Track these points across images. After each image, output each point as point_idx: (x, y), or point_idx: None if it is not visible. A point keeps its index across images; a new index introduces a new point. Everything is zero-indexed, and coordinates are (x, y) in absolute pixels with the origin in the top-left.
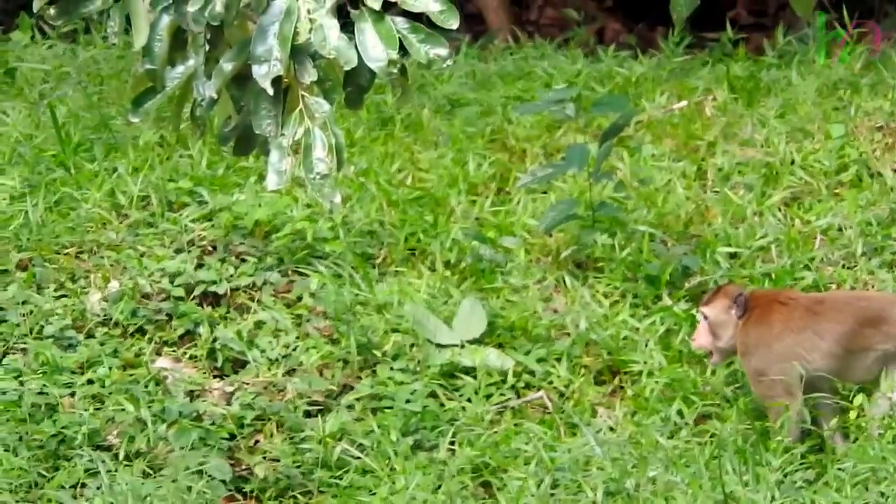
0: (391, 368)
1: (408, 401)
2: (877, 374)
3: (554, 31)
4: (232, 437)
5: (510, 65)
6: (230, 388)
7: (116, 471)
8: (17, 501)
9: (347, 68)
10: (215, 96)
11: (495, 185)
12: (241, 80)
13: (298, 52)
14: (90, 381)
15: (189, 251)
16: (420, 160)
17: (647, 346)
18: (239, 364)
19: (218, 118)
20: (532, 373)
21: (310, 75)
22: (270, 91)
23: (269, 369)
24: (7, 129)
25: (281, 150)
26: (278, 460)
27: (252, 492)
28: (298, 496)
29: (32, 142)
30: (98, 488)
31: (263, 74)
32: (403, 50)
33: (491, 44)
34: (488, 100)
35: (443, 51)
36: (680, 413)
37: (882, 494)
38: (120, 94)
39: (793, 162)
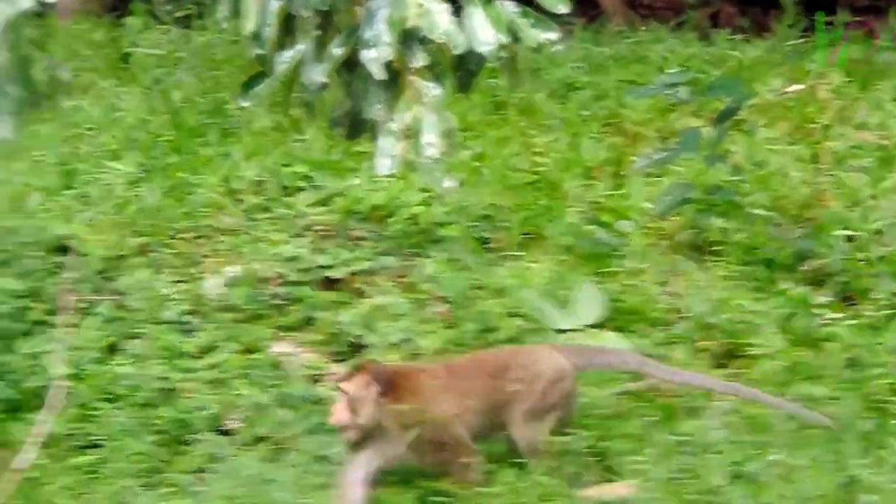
0: None
1: None
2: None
3: (668, 14)
4: None
5: (624, 48)
6: None
7: (237, 456)
8: (139, 486)
9: (457, 53)
10: (325, 81)
11: (610, 169)
12: (351, 64)
13: (408, 37)
14: (210, 366)
15: (305, 236)
16: (535, 144)
17: (765, 329)
18: (357, 348)
19: (328, 103)
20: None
21: (419, 60)
22: (380, 76)
23: (388, 353)
24: (123, 114)
25: (391, 135)
26: None
27: None
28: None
29: (147, 127)
30: (219, 473)
31: (373, 59)
32: (514, 34)
33: (605, 27)
34: (602, 83)
35: (552, 35)
36: (800, 396)
37: None
38: (234, 79)
39: None
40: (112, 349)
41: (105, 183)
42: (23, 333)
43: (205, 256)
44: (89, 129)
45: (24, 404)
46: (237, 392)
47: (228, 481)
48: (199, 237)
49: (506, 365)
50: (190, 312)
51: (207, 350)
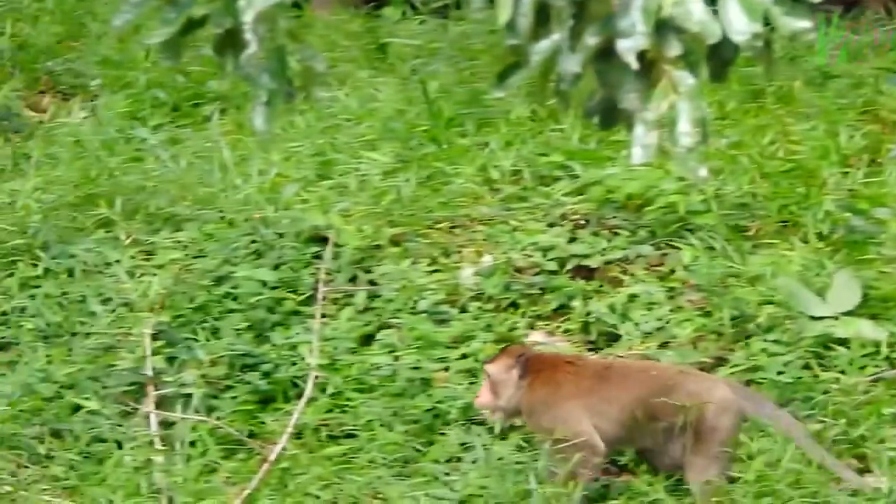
0: (765, 340)
1: (780, 372)
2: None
3: None
4: None
5: (882, 36)
6: None
7: (492, 445)
8: (392, 476)
9: (711, 42)
10: (579, 71)
11: (867, 157)
12: (606, 54)
13: (662, 26)
14: (464, 356)
15: (561, 225)
16: (792, 132)
17: None
18: (612, 337)
19: (582, 92)
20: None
21: (674, 49)
22: (635, 65)
23: (642, 342)
24: (379, 104)
25: (646, 124)
26: None
27: (626, 465)
28: None
29: (404, 117)
30: (473, 462)
31: (627, 49)
32: (768, 23)
33: (862, 15)
34: (860, 71)
35: (806, 23)
36: None
37: None
38: (491, 69)
39: None
40: (366, 339)
41: (361, 173)
42: (278, 324)
43: (460, 246)
44: (346, 119)
45: (279, 395)
46: None
47: (482, 471)
48: (454, 227)
49: (672, 385)
50: (445, 302)
51: (462, 340)
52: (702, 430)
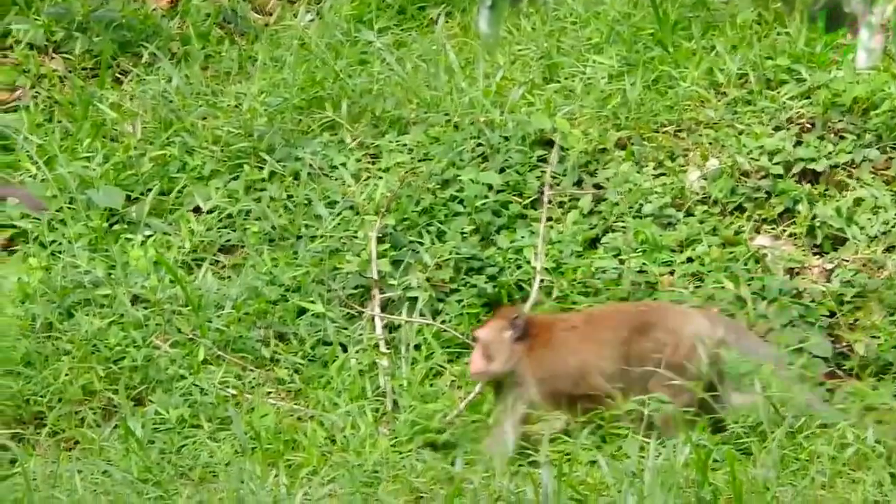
0: None
1: None
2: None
3: None
4: (832, 314)
5: None
6: (830, 266)
7: None
8: None
9: None
10: None
11: None
12: None
13: None
14: (689, 259)
15: (787, 129)
16: None
17: None
18: (838, 241)
19: None
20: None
21: None
22: None
23: (868, 246)
24: (605, 7)
25: (870, 28)
26: (878, 337)
27: (852, 369)
28: None
29: (630, 20)
30: None
31: None
32: None
33: None
34: None
35: None
36: None
37: None
38: None
39: None
40: (591, 243)
41: (587, 77)
42: (503, 227)
43: (686, 150)
44: (572, 22)
45: (504, 298)
46: (718, 285)
47: None
48: (680, 130)
49: (649, 323)
50: (670, 206)
51: (687, 243)
52: (673, 364)
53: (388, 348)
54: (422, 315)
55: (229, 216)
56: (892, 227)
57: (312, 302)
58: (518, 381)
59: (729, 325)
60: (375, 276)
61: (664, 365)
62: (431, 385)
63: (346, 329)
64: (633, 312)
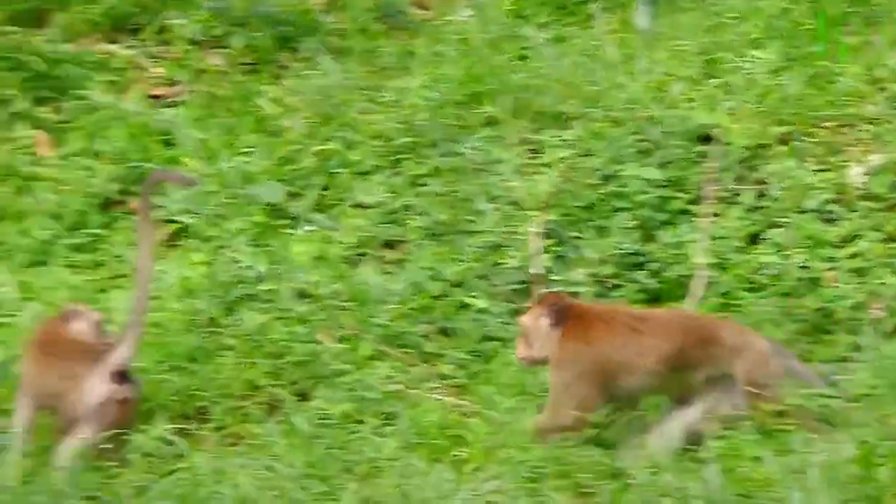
0: None
1: None
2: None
3: None
4: None
5: None
6: None
7: (881, 345)
8: None
9: None
10: None
11: None
12: None
13: None
14: (853, 255)
15: None
16: None
17: None
18: None
19: None
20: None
21: None
22: None
23: None
24: (764, 2)
25: None
26: None
27: None
28: None
29: (789, 15)
30: (862, 362)
31: None
32: None
33: None
34: None
35: None
36: None
37: None
38: None
39: None
40: (754, 238)
41: (747, 72)
42: (665, 223)
43: (848, 145)
44: (732, 17)
45: (666, 293)
46: (880, 281)
47: (871, 371)
48: (842, 126)
49: (711, 336)
50: (833, 201)
51: (850, 239)
52: (756, 382)
53: None
54: None
55: (392, 211)
56: None
57: (475, 297)
58: (552, 365)
59: (778, 348)
60: (537, 272)
61: (742, 380)
62: None
63: (508, 324)
64: (694, 322)
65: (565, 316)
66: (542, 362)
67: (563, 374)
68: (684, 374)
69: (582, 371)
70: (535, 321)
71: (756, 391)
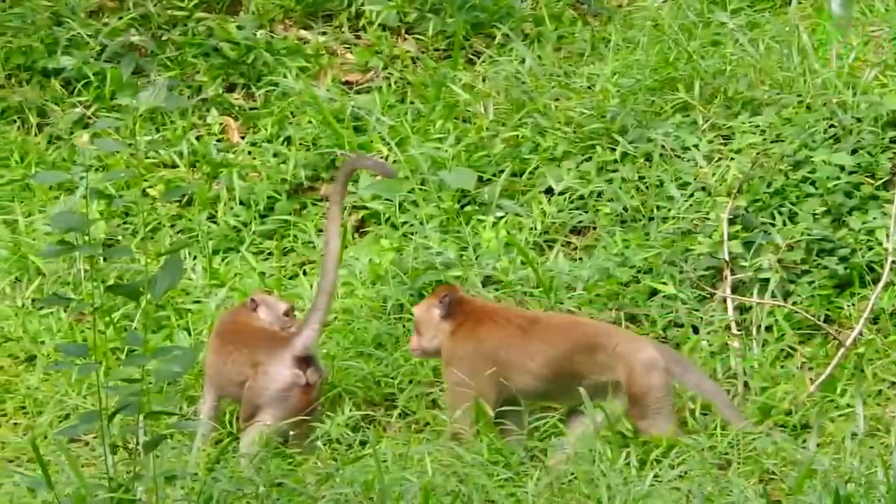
0: None
1: None
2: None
3: None
4: None
5: None
6: None
7: None
8: None
9: None
10: None
11: None
12: None
13: None
14: None
15: None
16: None
17: None
18: None
19: None
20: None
21: None
22: None
23: None
24: None
25: None
26: None
27: None
28: None
29: None
30: None
31: None
32: None
33: None
34: None
35: None
36: None
37: None
38: None
39: None
40: None
41: None
42: (855, 208)
43: None
44: None
45: (855, 279)
46: None
47: None
48: None
49: (596, 343)
50: None
51: None
52: (635, 393)
53: (738, 330)
54: (773, 296)
55: (581, 197)
56: None
57: (664, 283)
58: (444, 363)
59: (674, 357)
60: (727, 258)
61: (623, 390)
62: (782, 367)
63: (697, 310)
64: (582, 329)
65: (455, 309)
66: (435, 354)
67: (456, 373)
68: (572, 380)
69: (473, 370)
70: (427, 312)
71: (635, 400)
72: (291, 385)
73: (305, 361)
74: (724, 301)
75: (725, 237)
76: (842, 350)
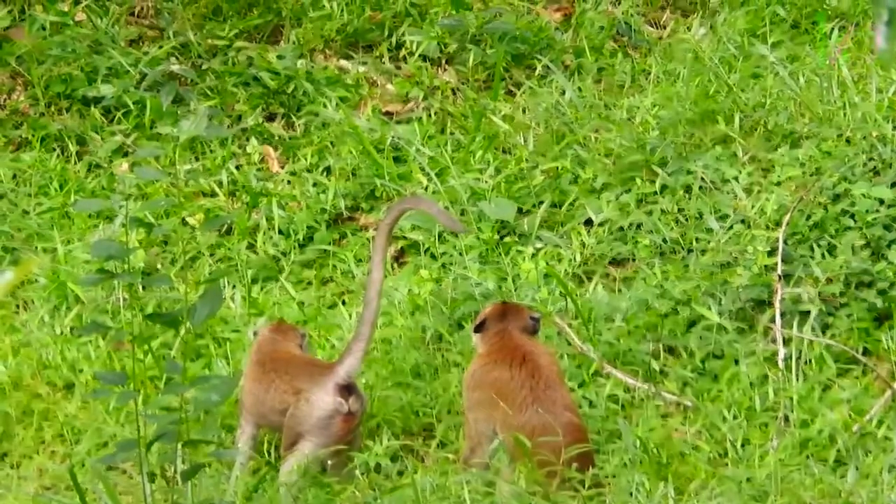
0: None
1: None
2: None
3: None
4: None
5: None
6: None
7: None
8: None
9: None
10: None
11: None
12: None
13: None
14: None
15: None
16: None
17: None
18: None
19: None
20: None
21: None
22: None
23: None
24: None
25: None
26: None
27: None
28: None
29: None
30: None
31: None
32: None
33: None
34: None
35: None
36: None
37: None
38: None
39: None
40: None
41: None
42: (894, 242)
43: None
44: None
45: (894, 312)
46: None
47: None
48: None
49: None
50: None
51: None
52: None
53: (782, 361)
54: (812, 329)
55: (620, 229)
56: None
57: (703, 315)
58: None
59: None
60: (778, 286)
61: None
62: (821, 399)
63: (736, 342)
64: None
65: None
66: None
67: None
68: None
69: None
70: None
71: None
72: (334, 413)
73: (348, 389)
74: (765, 333)
75: (780, 265)
76: (888, 392)
